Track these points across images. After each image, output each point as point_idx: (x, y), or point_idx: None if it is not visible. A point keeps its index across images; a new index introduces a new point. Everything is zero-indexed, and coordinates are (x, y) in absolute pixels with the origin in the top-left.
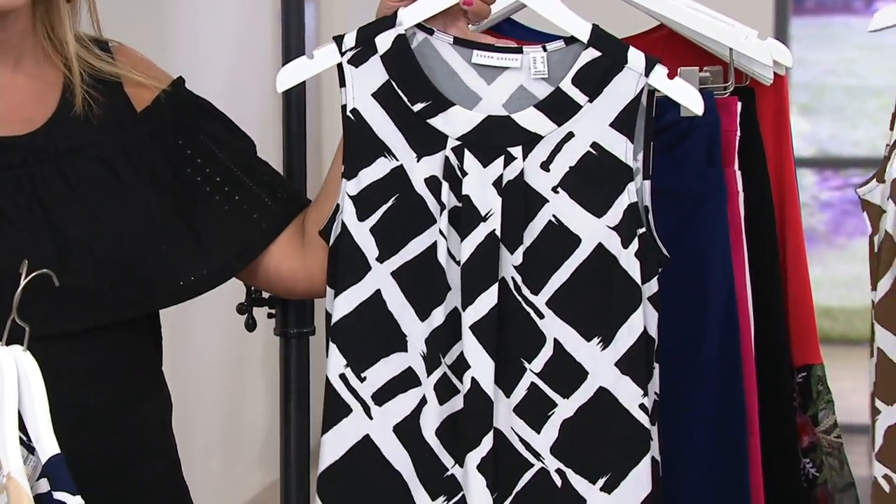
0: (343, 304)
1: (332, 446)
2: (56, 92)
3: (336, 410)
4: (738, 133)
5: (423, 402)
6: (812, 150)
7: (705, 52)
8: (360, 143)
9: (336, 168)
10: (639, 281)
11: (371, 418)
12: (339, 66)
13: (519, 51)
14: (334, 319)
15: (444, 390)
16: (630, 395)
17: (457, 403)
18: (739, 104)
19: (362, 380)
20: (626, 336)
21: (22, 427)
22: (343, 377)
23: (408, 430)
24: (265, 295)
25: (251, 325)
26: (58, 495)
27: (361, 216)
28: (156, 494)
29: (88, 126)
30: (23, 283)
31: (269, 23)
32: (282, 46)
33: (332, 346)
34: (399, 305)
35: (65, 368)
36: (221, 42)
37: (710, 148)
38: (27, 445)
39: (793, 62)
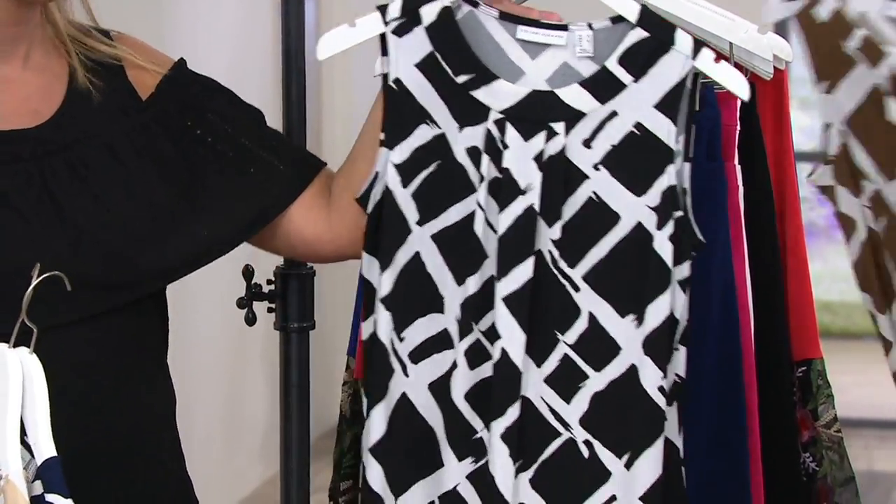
0: (389, 276)
1: (379, 419)
2: (63, 83)
3: (383, 373)
4: (739, 127)
5: (455, 365)
6: (812, 145)
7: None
8: (403, 112)
9: (368, 135)
10: (670, 263)
11: (407, 376)
12: (382, 35)
13: (564, 28)
14: (384, 292)
15: (476, 356)
16: (650, 377)
17: (486, 370)
18: (739, 99)
19: (402, 339)
20: (653, 317)
21: (23, 428)
22: (391, 341)
23: (440, 390)
24: (265, 289)
25: (251, 320)
26: (49, 497)
27: (405, 183)
28: (160, 488)
29: (94, 115)
30: (34, 282)
31: (268, 20)
32: (282, 43)
33: (385, 314)
34: (438, 267)
35: (71, 357)
36: (221, 39)
37: (710, 142)
38: (28, 447)
39: (793, 56)
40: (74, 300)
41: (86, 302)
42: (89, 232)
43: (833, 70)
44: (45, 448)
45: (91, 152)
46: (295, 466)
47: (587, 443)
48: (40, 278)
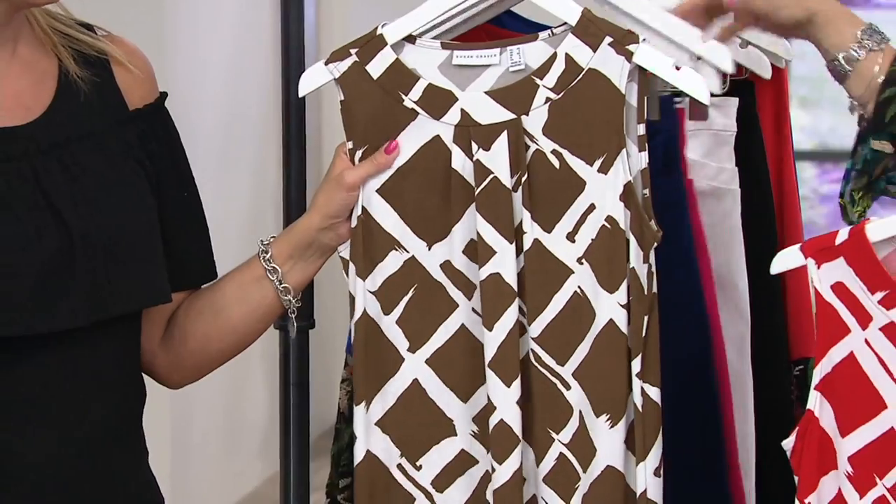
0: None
1: None
2: (53, 79)
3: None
4: (736, 128)
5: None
6: (812, 143)
7: None
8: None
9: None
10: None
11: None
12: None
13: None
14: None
15: None
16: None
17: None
18: (738, 99)
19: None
20: None
21: None
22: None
23: None
24: None
25: None
26: None
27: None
28: (123, 485)
29: (85, 113)
30: None
31: (268, 20)
32: (281, 46)
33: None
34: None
35: (43, 376)
36: (221, 39)
37: (666, 156)
38: None
39: (793, 55)
40: (61, 309)
41: (72, 311)
42: (84, 234)
43: None
44: None
45: (83, 153)
46: (294, 465)
47: None
48: None
